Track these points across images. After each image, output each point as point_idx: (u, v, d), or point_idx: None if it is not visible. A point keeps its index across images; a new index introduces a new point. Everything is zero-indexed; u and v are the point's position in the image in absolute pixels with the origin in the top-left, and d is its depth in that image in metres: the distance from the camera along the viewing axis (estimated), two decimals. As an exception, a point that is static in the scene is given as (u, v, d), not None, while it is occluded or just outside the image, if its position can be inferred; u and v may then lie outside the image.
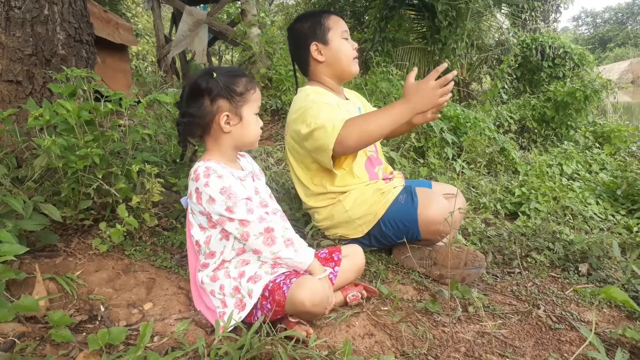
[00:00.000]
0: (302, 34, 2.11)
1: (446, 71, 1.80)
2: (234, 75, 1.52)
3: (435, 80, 1.77)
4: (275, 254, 1.46)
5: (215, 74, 1.47)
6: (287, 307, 1.40)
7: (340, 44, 2.09)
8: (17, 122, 2.05)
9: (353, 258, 1.72)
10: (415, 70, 1.88)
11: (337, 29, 2.08)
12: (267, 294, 1.43)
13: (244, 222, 1.42)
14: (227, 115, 1.50)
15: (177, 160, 2.38)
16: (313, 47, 2.09)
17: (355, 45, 2.14)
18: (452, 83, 1.79)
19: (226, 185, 1.43)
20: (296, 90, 2.23)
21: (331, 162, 1.92)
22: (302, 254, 1.50)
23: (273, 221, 1.49)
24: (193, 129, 1.51)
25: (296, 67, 2.27)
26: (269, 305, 1.41)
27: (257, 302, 1.44)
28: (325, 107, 1.95)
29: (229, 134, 1.53)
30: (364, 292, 1.69)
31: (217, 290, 1.49)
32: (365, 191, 2.05)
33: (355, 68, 2.14)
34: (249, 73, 1.61)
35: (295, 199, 2.31)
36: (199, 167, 1.47)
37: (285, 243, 1.47)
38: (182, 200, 1.62)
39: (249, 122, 1.55)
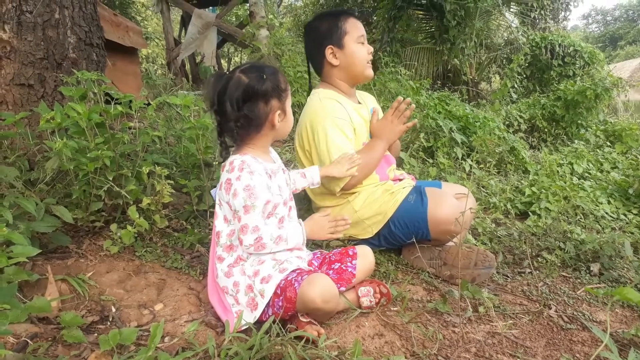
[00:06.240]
0: (319, 35, 2.10)
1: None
2: (275, 72, 1.55)
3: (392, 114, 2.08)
4: (270, 251, 1.51)
5: (264, 76, 1.50)
6: (298, 305, 1.41)
7: (355, 48, 2.07)
8: (29, 125, 2.07)
9: (363, 258, 1.72)
10: (375, 113, 2.19)
11: (354, 33, 2.06)
12: (279, 291, 1.44)
13: (243, 229, 1.45)
14: (279, 113, 1.55)
15: (216, 163, 2.39)
16: (328, 51, 2.07)
17: (371, 49, 2.13)
18: (412, 107, 2.09)
19: (251, 185, 1.46)
20: (308, 89, 2.23)
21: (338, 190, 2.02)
22: (291, 241, 1.55)
23: (265, 230, 1.49)
24: (250, 130, 1.54)
25: (310, 66, 2.26)
26: (280, 303, 1.43)
27: (270, 300, 1.45)
28: (337, 141, 1.98)
29: (276, 129, 1.58)
30: (376, 288, 1.68)
31: (230, 286, 1.50)
32: (374, 191, 2.05)
33: (369, 72, 2.13)
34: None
35: (305, 199, 2.31)
36: (235, 159, 1.50)
37: (276, 242, 1.50)
38: (212, 192, 1.66)
39: (290, 115, 1.62)
